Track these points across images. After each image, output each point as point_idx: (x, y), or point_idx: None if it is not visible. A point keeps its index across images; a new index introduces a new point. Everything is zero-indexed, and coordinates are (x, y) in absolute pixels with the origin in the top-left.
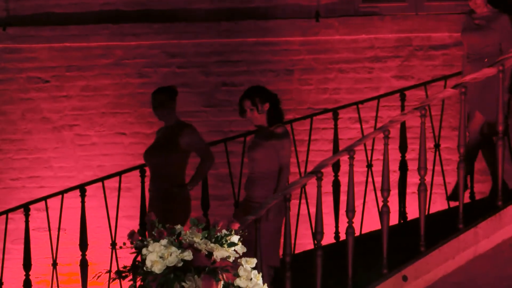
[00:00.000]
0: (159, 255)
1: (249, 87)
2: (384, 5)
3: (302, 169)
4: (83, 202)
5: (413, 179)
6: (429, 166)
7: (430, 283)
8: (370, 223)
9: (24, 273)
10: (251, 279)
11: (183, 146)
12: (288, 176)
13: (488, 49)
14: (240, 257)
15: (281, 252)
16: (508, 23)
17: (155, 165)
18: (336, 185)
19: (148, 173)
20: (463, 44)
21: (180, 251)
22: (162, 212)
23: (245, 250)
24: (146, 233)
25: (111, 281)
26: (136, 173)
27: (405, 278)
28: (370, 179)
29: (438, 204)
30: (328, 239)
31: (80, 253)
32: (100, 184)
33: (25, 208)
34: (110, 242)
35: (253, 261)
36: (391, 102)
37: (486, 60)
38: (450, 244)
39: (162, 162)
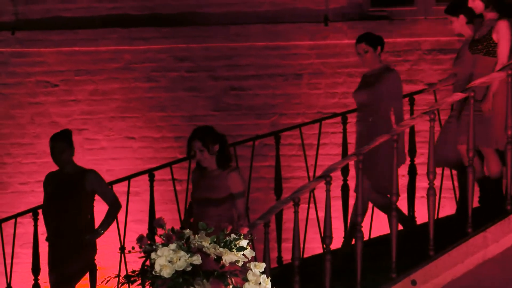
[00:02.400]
0: (168, 260)
1: (198, 128)
2: (393, 9)
3: (311, 173)
4: (92, 206)
5: (422, 183)
6: (438, 171)
7: (439, 287)
8: (379, 227)
9: (33, 277)
10: (260, 283)
11: (89, 191)
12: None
13: (374, 107)
14: (249, 261)
15: (290, 256)
16: (396, 79)
17: (61, 213)
18: (345, 189)
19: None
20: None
21: (189, 255)
22: (69, 262)
23: (253, 254)
24: (155, 237)
25: (120, 285)
26: (145, 177)
27: (414, 283)
28: None
29: (447, 208)
30: (337, 243)
31: None
32: None
33: (34, 212)
34: (119, 246)
35: (262, 266)
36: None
37: (370, 119)
38: (459, 249)
39: (69, 210)
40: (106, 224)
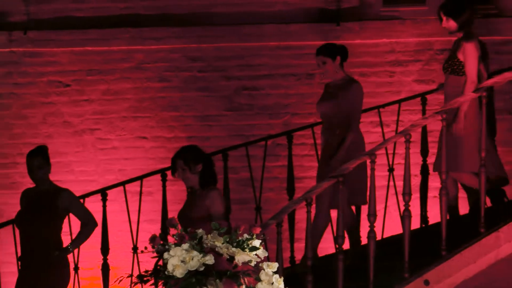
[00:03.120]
0: (181, 259)
1: (183, 147)
2: (404, 9)
3: None
4: (104, 206)
5: (434, 183)
6: None
7: (452, 287)
8: (391, 227)
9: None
10: (272, 283)
11: (61, 210)
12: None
13: (338, 119)
14: (262, 261)
15: (301, 255)
16: (358, 91)
17: (32, 230)
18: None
19: (169, 177)
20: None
21: (201, 255)
22: (40, 280)
23: (266, 254)
24: (168, 237)
25: (132, 285)
26: (158, 177)
27: (426, 283)
28: (391, 183)
29: (461, 207)
30: (349, 243)
31: (102, 257)
32: (121, 188)
33: None
34: (132, 246)
35: (275, 265)
36: (412, 106)
37: (338, 132)
38: (471, 248)
39: (40, 227)
40: (77, 242)
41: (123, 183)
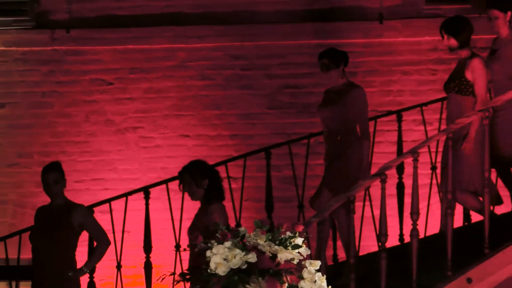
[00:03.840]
0: (223, 257)
1: (191, 161)
2: (447, 7)
3: None
4: (147, 204)
5: None
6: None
7: (495, 285)
8: (434, 225)
9: (88, 276)
10: (315, 281)
11: (76, 226)
12: None
13: (340, 124)
14: (304, 259)
15: (344, 254)
16: (361, 96)
17: (45, 248)
18: (400, 187)
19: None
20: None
21: (244, 253)
22: None
23: (309, 252)
24: None
25: (175, 283)
26: None
27: (469, 280)
28: (434, 181)
29: (503, 205)
30: (392, 241)
31: (144, 255)
32: (164, 186)
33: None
34: (174, 244)
35: (317, 263)
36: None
37: (339, 138)
38: None
39: (54, 245)
40: (92, 262)
41: (165, 181)
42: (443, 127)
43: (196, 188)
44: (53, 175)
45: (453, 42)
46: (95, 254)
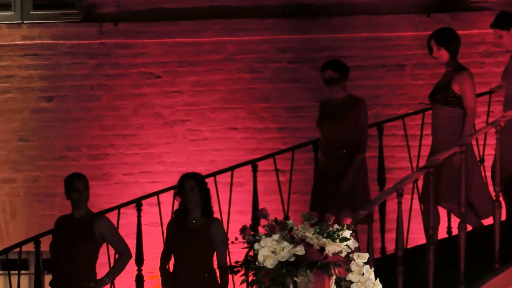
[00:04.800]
0: (271, 250)
1: (192, 172)
2: (494, 0)
3: (414, 164)
4: None
5: None
6: None
7: None
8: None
9: (136, 268)
10: (363, 273)
11: (98, 237)
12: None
13: (343, 139)
14: (352, 252)
15: (393, 246)
16: (365, 110)
17: (67, 260)
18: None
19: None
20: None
21: (292, 246)
22: None
23: (357, 245)
24: (259, 228)
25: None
26: (248, 168)
27: None
28: (482, 174)
29: None
30: (440, 233)
31: None
32: (212, 179)
33: (137, 203)
34: None
35: (365, 256)
36: (502, 97)
37: (344, 152)
38: None
39: (75, 256)
40: (113, 273)
41: (213, 174)
42: (490, 119)
43: (198, 196)
44: (83, 181)
45: (443, 53)
46: (116, 266)
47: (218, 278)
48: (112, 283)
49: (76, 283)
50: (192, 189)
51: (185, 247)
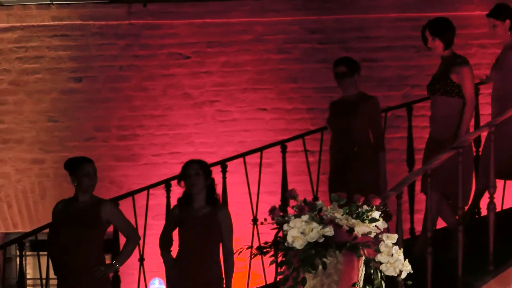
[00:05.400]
0: (300, 231)
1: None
2: None
3: None
4: (224, 177)
5: None
6: None
7: None
8: (511, 199)
9: None
10: (392, 254)
11: (104, 222)
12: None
13: (355, 136)
14: (381, 232)
15: (421, 227)
16: (378, 107)
17: (73, 246)
18: (477, 160)
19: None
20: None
21: (321, 226)
22: None
23: (386, 225)
24: (288, 208)
25: (252, 256)
26: (277, 149)
27: None
28: None
29: None
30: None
31: None
32: (241, 159)
33: (167, 184)
34: (252, 218)
35: (394, 237)
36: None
37: (356, 149)
38: None
39: (82, 243)
40: (123, 257)
41: (243, 155)
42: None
43: (203, 180)
44: (93, 166)
45: (438, 43)
46: (125, 250)
47: (222, 266)
48: (141, 263)
49: (85, 269)
50: (197, 173)
51: (192, 235)
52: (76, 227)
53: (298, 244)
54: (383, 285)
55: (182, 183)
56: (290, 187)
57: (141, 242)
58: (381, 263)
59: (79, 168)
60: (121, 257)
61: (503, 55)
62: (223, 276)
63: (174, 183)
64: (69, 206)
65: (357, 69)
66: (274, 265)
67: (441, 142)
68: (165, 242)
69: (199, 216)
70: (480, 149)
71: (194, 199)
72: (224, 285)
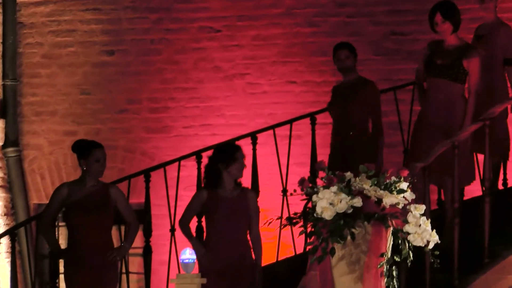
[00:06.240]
0: (329, 202)
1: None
2: None
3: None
4: (254, 149)
5: None
6: None
7: None
8: None
9: (197, 219)
10: (420, 225)
11: (113, 206)
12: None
13: (353, 120)
14: (409, 203)
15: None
16: (377, 92)
17: (88, 226)
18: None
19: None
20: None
21: (349, 197)
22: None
23: (413, 196)
24: (317, 180)
25: (282, 227)
26: (307, 121)
27: None
28: None
29: None
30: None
31: None
32: (271, 131)
33: (198, 155)
34: (281, 189)
35: (422, 208)
36: None
37: (351, 133)
38: None
39: (97, 224)
40: (129, 241)
41: (272, 127)
42: None
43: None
44: (103, 151)
45: (448, 26)
46: (130, 234)
47: (252, 248)
48: (173, 234)
49: (99, 251)
50: (243, 158)
51: (224, 217)
52: (89, 211)
53: (327, 215)
54: (411, 255)
55: (225, 166)
56: (319, 158)
57: (172, 212)
58: (408, 234)
59: (90, 154)
60: (128, 239)
61: (490, 33)
62: (253, 256)
63: (205, 154)
64: (78, 191)
65: (356, 54)
66: (303, 235)
67: (445, 126)
68: (187, 221)
69: (230, 198)
70: None
71: (224, 181)
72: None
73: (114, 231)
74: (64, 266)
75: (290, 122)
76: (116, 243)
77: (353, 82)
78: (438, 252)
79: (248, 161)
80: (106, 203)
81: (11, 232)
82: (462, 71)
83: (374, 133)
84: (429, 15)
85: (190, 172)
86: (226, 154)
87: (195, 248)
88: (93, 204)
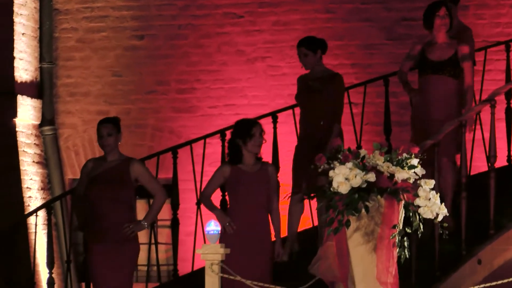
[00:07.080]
0: (345, 177)
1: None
2: None
3: (477, 98)
4: (275, 128)
5: None
6: None
7: None
8: None
9: (221, 194)
10: (429, 199)
11: (134, 181)
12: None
13: (321, 111)
14: (420, 178)
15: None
16: (343, 83)
17: (107, 201)
18: (508, 112)
19: None
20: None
21: (364, 173)
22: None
23: (424, 172)
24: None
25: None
26: None
27: None
28: None
29: None
30: (500, 162)
31: None
32: (290, 111)
33: (222, 134)
34: None
35: (432, 182)
36: None
37: (322, 122)
38: None
39: (116, 199)
40: (151, 215)
41: (292, 107)
42: None
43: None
44: (108, 128)
45: (449, 21)
46: (153, 207)
47: (271, 222)
48: (199, 207)
49: (114, 226)
50: (262, 133)
51: (248, 191)
52: (105, 185)
53: (343, 189)
54: (421, 227)
55: (242, 141)
56: None
57: (198, 187)
58: (419, 207)
59: (97, 130)
60: (149, 215)
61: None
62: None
63: (228, 133)
64: (99, 166)
65: (319, 47)
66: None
67: (446, 120)
68: (208, 195)
69: (251, 172)
70: None
71: (245, 156)
72: (273, 238)
73: (143, 205)
74: (84, 239)
75: None
76: (142, 216)
77: (321, 75)
78: (447, 224)
79: (269, 139)
80: (123, 177)
81: (47, 206)
82: (459, 68)
83: (334, 120)
84: (430, 10)
85: (214, 149)
86: (243, 130)
87: (219, 218)
88: (109, 178)
